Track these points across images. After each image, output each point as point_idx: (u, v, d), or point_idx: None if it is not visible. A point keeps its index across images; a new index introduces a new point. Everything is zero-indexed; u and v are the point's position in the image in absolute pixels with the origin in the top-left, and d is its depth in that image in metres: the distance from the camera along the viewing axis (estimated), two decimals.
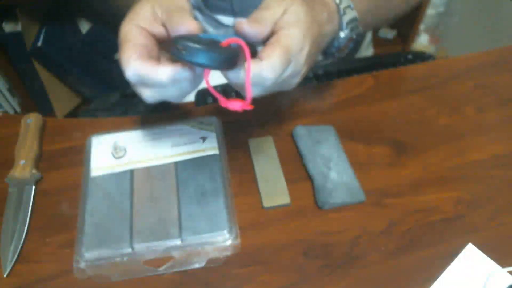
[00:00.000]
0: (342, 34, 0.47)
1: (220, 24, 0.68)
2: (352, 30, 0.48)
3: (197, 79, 0.36)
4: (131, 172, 0.48)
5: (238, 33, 0.37)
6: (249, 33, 0.36)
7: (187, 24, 0.35)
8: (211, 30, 0.70)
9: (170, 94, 0.37)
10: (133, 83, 0.37)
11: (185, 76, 0.34)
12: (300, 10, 0.38)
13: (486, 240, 0.44)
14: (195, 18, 0.72)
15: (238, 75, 0.35)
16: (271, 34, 0.37)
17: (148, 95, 0.37)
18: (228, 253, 0.43)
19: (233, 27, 0.36)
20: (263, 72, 0.34)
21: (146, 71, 0.34)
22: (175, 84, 0.35)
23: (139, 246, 0.42)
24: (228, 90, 0.60)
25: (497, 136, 0.54)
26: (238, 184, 0.48)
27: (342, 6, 0.46)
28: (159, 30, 0.37)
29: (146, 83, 0.36)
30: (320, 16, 0.42)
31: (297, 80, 0.40)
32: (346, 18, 0.46)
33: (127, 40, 0.36)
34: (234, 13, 0.64)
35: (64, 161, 0.51)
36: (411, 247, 0.44)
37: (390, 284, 0.42)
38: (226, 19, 0.66)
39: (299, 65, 0.38)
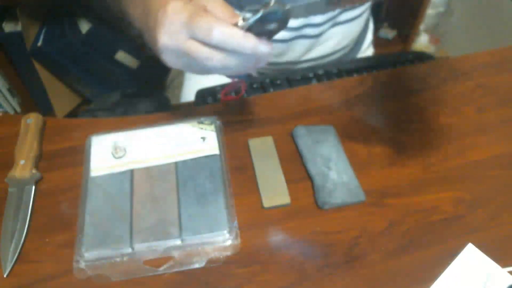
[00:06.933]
0: None
1: None
2: None
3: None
4: (131, 172, 0.48)
5: None
6: None
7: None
8: None
9: (234, 64, 0.38)
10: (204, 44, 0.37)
11: (263, 50, 0.37)
12: None
13: (486, 240, 0.44)
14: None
15: None
16: None
17: (218, 58, 0.38)
18: (228, 253, 0.43)
19: None
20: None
21: (233, 36, 0.36)
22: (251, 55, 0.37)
23: (139, 246, 0.42)
24: (228, 90, 0.60)
25: (497, 136, 0.54)
26: (238, 184, 0.48)
27: None
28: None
29: (224, 47, 0.37)
30: None
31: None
32: None
33: (201, 12, 0.37)
34: (240, 7, 0.63)
35: (64, 161, 0.51)
36: (411, 247, 0.44)
37: (390, 284, 0.42)
38: None
39: None
